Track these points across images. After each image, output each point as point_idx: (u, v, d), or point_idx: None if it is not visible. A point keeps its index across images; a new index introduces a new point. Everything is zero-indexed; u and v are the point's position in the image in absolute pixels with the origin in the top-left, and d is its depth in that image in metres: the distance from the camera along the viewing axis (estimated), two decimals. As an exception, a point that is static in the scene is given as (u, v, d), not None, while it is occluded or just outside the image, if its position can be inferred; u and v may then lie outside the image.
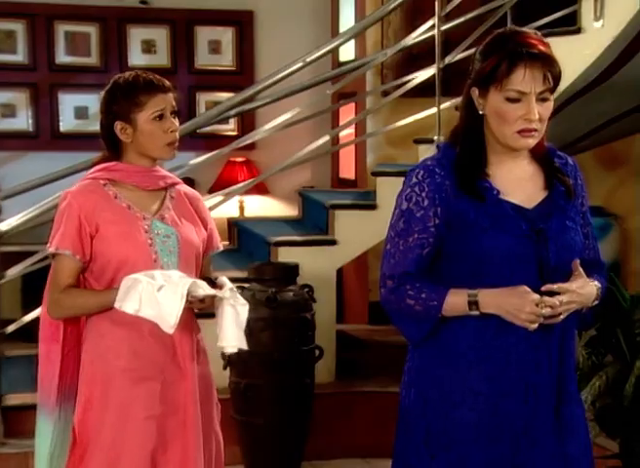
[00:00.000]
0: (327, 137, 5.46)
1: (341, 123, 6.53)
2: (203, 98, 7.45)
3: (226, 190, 5.54)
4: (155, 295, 2.61)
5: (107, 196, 2.82)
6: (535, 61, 2.32)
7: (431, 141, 5.04)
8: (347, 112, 6.83)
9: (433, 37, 5.17)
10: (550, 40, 4.64)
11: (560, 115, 4.96)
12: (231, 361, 4.32)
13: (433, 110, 5.10)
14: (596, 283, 2.47)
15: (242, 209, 7.31)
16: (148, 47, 7.45)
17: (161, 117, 2.80)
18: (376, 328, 6.65)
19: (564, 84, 4.67)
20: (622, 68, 4.75)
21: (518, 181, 2.45)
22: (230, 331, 2.76)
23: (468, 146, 2.44)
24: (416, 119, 5.33)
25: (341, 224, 5.30)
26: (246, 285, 4.52)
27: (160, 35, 7.46)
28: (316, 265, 5.09)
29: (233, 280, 2.97)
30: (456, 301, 2.36)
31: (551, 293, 2.33)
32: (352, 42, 6.76)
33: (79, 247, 2.76)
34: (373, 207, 5.31)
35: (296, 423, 4.60)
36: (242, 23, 7.53)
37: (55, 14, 7.20)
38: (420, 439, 2.48)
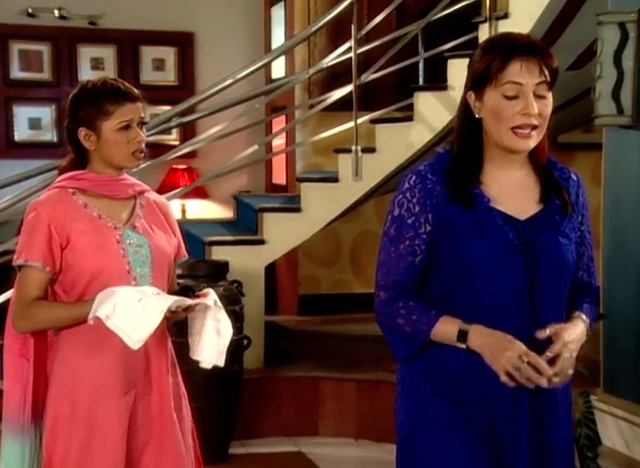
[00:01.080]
0: (256, 146, 5.54)
1: (272, 135, 6.61)
2: (148, 112, 7.35)
3: (166, 195, 5.58)
4: (133, 306, 2.33)
5: (77, 205, 2.52)
6: (529, 54, 2.10)
7: (349, 151, 5.10)
8: (280, 124, 6.88)
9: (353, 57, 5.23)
10: (455, 61, 4.92)
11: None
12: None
13: (352, 123, 5.15)
14: (583, 317, 2.24)
15: (184, 212, 7.36)
16: (97, 64, 7.43)
17: (127, 127, 2.50)
18: (304, 318, 6.77)
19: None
20: None
21: (513, 191, 2.20)
22: (208, 348, 2.51)
23: (463, 152, 2.20)
24: (338, 131, 5.34)
25: (269, 226, 5.32)
26: (180, 281, 4.57)
27: (108, 53, 7.45)
28: (246, 263, 5.12)
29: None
30: (446, 330, 2.15)
31: (538, 346, 2.10)
32: (282, 60, 6.90)
33: (49, 258, 2.45)
34: (298, 210, 5.35)
35: (226, 406, 4.64)
36: (183, 43, 7.54)
37: (10, 33, 7.18)
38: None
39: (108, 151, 2.53)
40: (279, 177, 7.38)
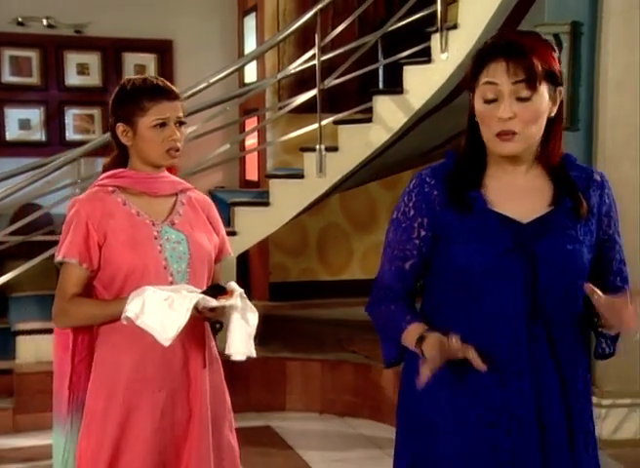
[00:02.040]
0: (228, 145, 5.56)
1: (244, 134, 6.65)
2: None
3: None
4: (161, 305, 2.20)
5: (116, 203, 2.39)
6: (506, 54, 1.81)
7: (314, 150, 5.13)
8: (252, 125, 6.88)
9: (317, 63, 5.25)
10: (411, 68, 4.98)
11: (417, 129, 5.19)
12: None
13: (317, 124, 5.18)
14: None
15: (164, 205, 7.36)
16: (82, 69, 7.40)
17: (163, 125, 2.36)
18: (275, 304, 6.81)
19: (419, 103, 4.94)
20: (463, 92, 4.78)
21: (518, 193, 1.91)
22: (237, 339, 2.33)
23: (466, 155, 1.95)
24: (305, 131, 5.37)
25: (241, 218, 5.32)
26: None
27: (93, 59, 7.42)
28: (220, 253, 5.13)
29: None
30: (411, 336, 1.90)
31: None
32: (254, 66, 6.93)
33: (86, 255, 2.33)
34: (266, 204, 5.36)
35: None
36: (163, 50, 7.52)
37: (1, 41, 7.16)
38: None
39: (144, 148, 2.39)
40: (252, 174, 7.41)
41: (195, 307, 2.22)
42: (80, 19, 7.29)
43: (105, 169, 2.50)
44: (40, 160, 5.90)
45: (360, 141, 5.17)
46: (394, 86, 5.24)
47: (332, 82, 5.22)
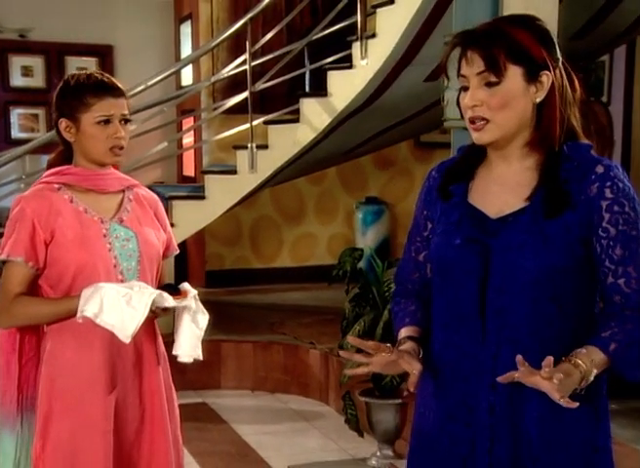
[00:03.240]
0: (166, 143, 5.51)
1: (181, 133, 6.60)
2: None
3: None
4: (119, 302, 2.02)
5: (62, 200, 2.17)
6: (467, 44, 1.63)
7: (246, 147, 5.11)
8: (189, 124, 6.82)
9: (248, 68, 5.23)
10: (334, 72, 4.99)
11: (340, 129, 5.21)
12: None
13: (248, 124, 5.16)
14: (576, 360, 1.55)
15: (106, 200, 7.25)
16: (27, 72, 7.23)
17: (107, 122, 2.14)
18: (211, 290, 6.75)
19: (342, 105, 4.96)
20: (382, 95, 4.91)
21: (500, 187, 1.69)
22: (186, 340, 2.17)
23: (468, 148, 1.76)
24: (237, 130, 5.34)
25: (178, 211, 5.27)
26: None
27: (36, 63, 7.26)
28: (157, 243, 5.08)
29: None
30: (399, 337, 1.77)
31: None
32: (190, 70, 6.87)
33: (32, 254, 2.11)
34: (202, 197, 5.33)
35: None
36: (104, 55, 7.37)
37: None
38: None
39: (87, 144, 2.17)
40: (189, 170, 7.34)
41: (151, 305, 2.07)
42: (24, 24, 7.12)
43: (50, 165, 2.28)
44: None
45: (288, 140, 5.17)
46: (319, 89, 5.24)
47: (262, 85, 5.22)
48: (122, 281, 2.16)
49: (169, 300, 2.09)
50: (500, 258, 1.63)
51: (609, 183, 1.62)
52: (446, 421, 1.72)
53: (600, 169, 1.64)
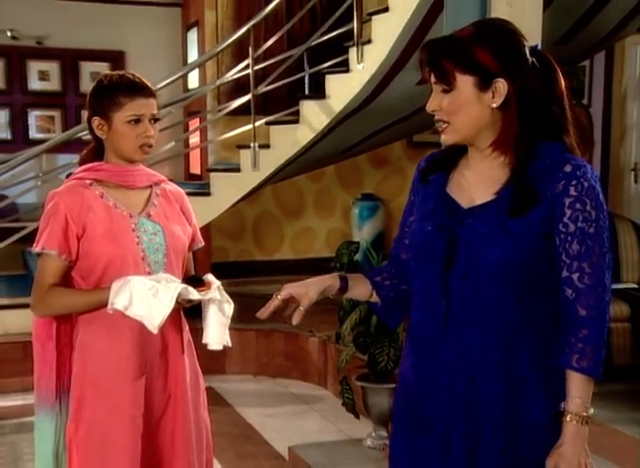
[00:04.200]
0: (173, 143, 5.48)
1: (188, 133, 6.59)
2: (86, 115, 7.25)
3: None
4: (146, 295, 2.01)
5: (94, 196, 2.16)
6: (426, 57, 1.65)
7: (249, 147, 5.09)
8: (195, 125, 6.82)
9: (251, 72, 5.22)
10: (332, 76, 4.97)
11: (338, 129, 5.19)
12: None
13: (251, 125, 5.13)
14: (564, 408, 1.59)
15: (118, 196, 7.25)
16: (43, 76, 7.28)
17: (137, 121, 2.12)
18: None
19: (339, 106, 4.94)
20: (377, 98, 4.88)
21: (475, 178, 1.70)
22: (213, 329, 2.14)
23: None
24: (241, 131, 5.31)
25: (185, 207, 5.27)
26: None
27: (52, 67, 7.30)
28: (166, 237, 5.07)
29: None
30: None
31: None
32: (197, 74, 6.85)
33: (65, 247, 2.11)
34: (208, 194, 5.29)
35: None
36: (116, 60, 7.39)
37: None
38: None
39: (117, 142, 2.15)
40: (195, 168, 7.32)
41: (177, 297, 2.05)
42: (41, 32, 7.15)
43: (82, 161, 2.26)
44: (6, 156, 5.78)
45: (289, 140, 5.15)
46: (318, 92, 5.22)
47: (264, 88, 5.19)
48: (150, 273, 2.14)
49: (194, 293, 2.06)
50: (465, 247, 1.63)
51: (574, 182, 1.61)
52: (423, 384, 1.71)
53: (568, 168, 1.62)
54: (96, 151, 2.24)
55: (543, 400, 1.64)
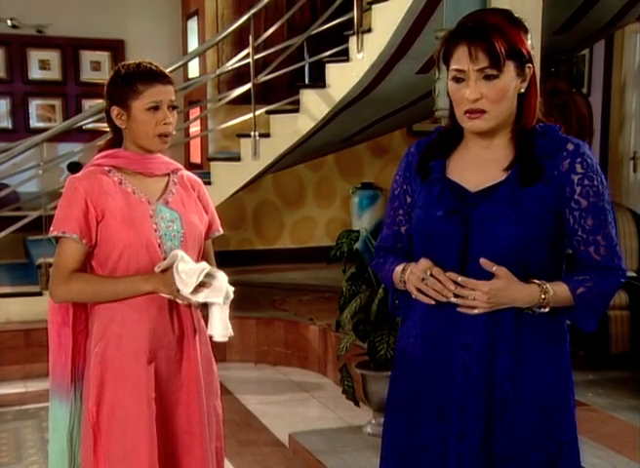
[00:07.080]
0: (174, 132, 5.46)
1: (188, 122, 6.57)
2: (87, 104, 7.26)
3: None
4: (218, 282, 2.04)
5: (112, 182, 2.13)
6: (470, 38, 1.64)
7: (249, 136, 5.08)
8: (195, 114, 6.82)
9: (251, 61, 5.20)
10: (332, 65, 4.96)
11: (338, 118, 5.18)
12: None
13: (251, 114, 5.13)
14: (546, 286, 1.66)
15: (118, 185, 7.25)
16: (44, 65, 7.26)
17: (156, 108, 2.10)
18: (216, 270, 6.77)
19: (339, 95, 4.93)
20: (377, 87, 4.88)
21: (478, 164, 1.72)
22: (218, 322, 2.13)
23: (446, 128, 1.80)
24: (241, 120, 5.32)
25: (185, 196, 5.27)
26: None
27: (53, 56, 7.28)
28: (167, 225, 5.07)
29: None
30: (396, 274, 1.79)
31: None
32: (197, 63, 6.83)
33: (86, 231, 2.07)
34: (208, 183, 5.23)
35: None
36: (116, 48, 7.39)
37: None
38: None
39: (136, 130, 2.12)
40: (195, 157, 7.33)
41: (183, 299, 2.05)
42: (41, 21, 7.13)
43: (101, 151, 2.23)
44: (7, 145, 5.80)
45: (289, 129, 5.14)
46: (318, 81, 5.21)
47: (264, 77, 5.17)
48: (164, 260, 2.11)
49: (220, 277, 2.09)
50: (479, 228, 1.66)
51: (579, 159, 1.67)
52: (428, 350, 1.75)
53: (570, 146, 1.69)
54: (114, 142, 2.22)
55: (552, 374, 1.71)
